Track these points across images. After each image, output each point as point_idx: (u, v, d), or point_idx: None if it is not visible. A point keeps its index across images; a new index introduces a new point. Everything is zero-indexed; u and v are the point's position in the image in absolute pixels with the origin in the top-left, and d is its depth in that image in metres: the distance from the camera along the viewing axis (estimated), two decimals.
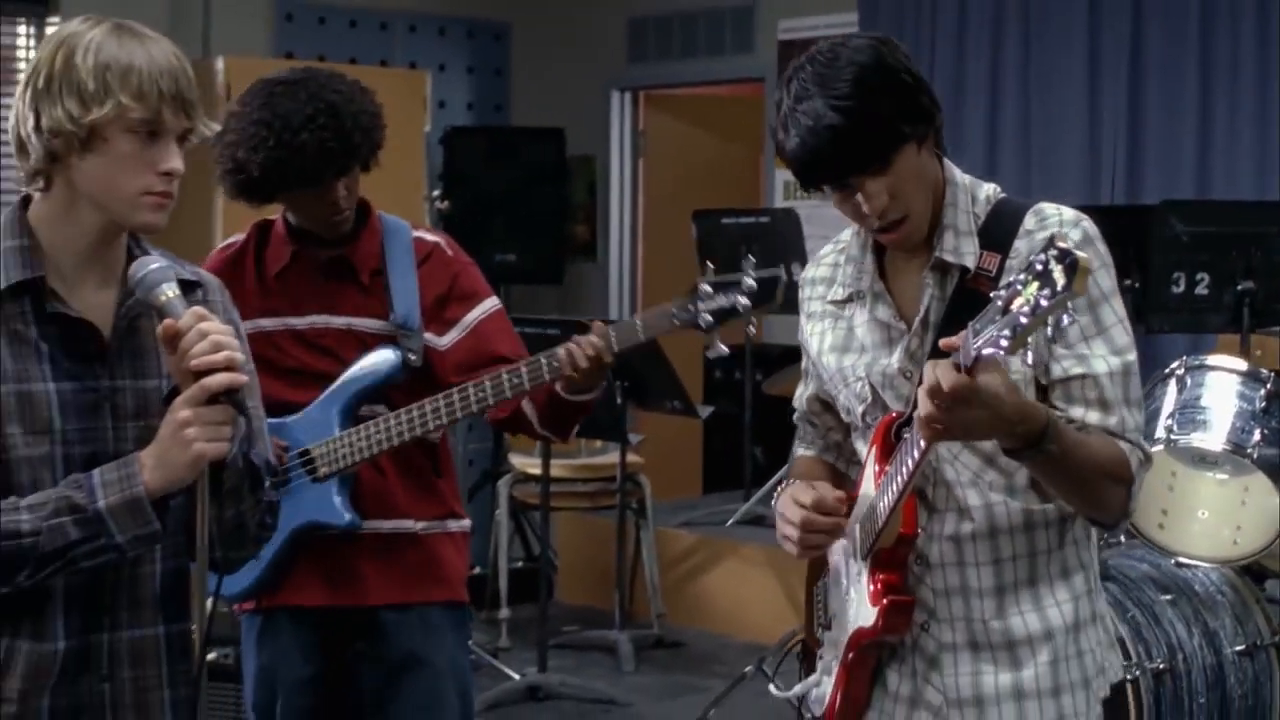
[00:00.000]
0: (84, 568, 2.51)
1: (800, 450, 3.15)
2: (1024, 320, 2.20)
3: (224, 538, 2.57)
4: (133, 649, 2.63)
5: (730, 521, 8.11)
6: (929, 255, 2.74)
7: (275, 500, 2.76)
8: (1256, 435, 4.97)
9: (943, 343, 2.43)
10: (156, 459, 2.49)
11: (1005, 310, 2.24)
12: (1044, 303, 2.18)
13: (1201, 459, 5.15)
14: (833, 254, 2.95)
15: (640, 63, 9.95)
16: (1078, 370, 2.67)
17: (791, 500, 2.83)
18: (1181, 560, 5.13)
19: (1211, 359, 5.25)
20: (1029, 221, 2.72)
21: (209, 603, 2.57)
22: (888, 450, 2.73)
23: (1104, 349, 2.68)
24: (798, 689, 3.06)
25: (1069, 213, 2.74)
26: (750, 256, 3.77)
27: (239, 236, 3.97)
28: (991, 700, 2.76)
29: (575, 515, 8.32)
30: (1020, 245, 2.69)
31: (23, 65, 8.21)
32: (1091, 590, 2.83)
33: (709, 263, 3.79)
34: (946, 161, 2.78)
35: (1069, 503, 2.73)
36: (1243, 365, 5.17)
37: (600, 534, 8.14)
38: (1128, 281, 5.81)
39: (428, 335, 3.83)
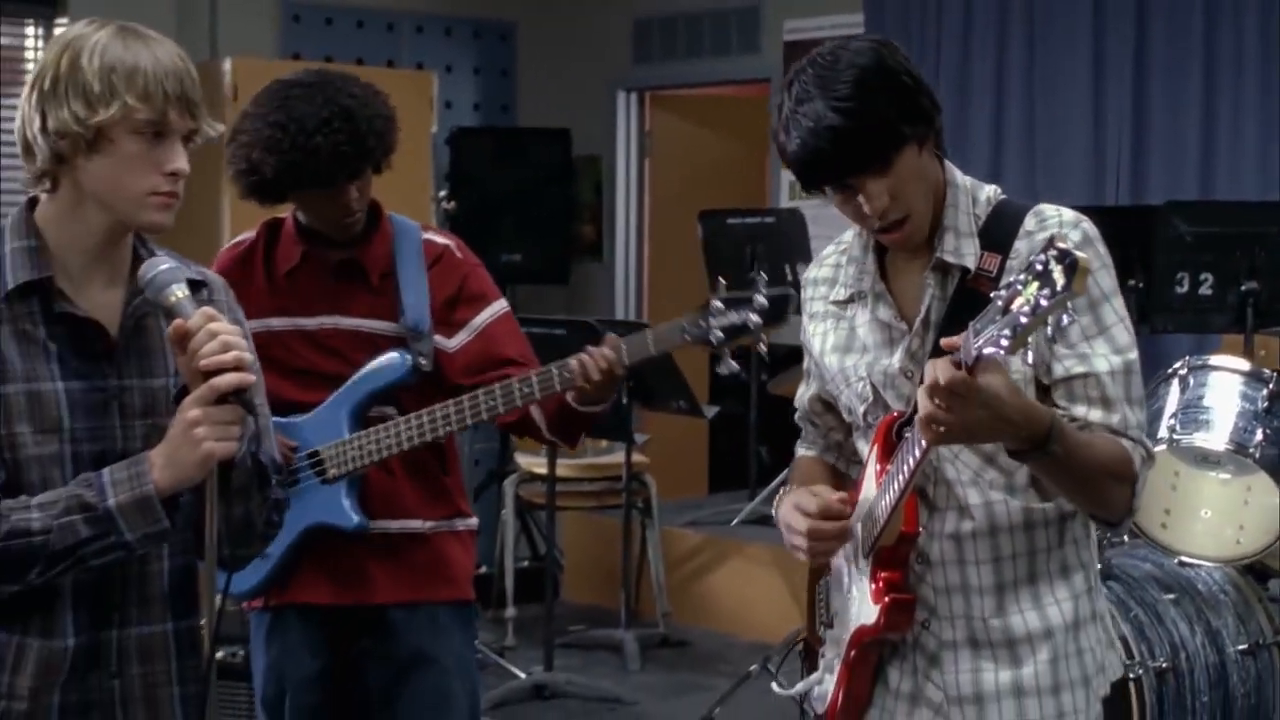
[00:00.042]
0: (94, 566, 2.53)
1: (801, 450, 3.17)
2: (1024, 320, 2.22)
3: (232, 535, 2.59)
4: (141, 645, 2.65)
5: (735, 521, 8.13)
6: (930, 256, 2.76)
7: (281, 498, 2.78)
8: (1259, 435, 4.98)
9: (944, 342, 2.45)
10: (166, 458, 2.51)
11: (1005, 310, 2.25)
12: (1044, 302, 2.20)
13: (1204, 459, 5.16)
14: (834, 255, 2.97)
15: (646, 63, 9.96)
16: (1079, 369, 2.69)
17: (794, 509, 2.84)
18: (1184, 559, 5.15)
19: (1214, 359, 5.26)
20: (1029, 222, 2.74)
21: (218, 600, 2.59)
22: (889, 449, 2.74)
23: (1105, 348, 2.69)
24: (800, 687, 3.08)
25: (1069, 214, 2.76)
26: (762, 274, 3.79)
27: (249, 234, 3.98)
28: (992, 697, 2.77)
29: (581, 515, 8.33)
30: (1020, 246, 2.71)
31: (31, 66, 8.23)
32: (1091, 589, 2.85)
33: (720, 279, 3.80)
34: (947, 163, 2.80)
35: (1074, 502, 2.75)
36: (1245, 365, 5.19)
37: (606, 533, 8.15)
38: (1132, 282, 5.83)
39: (436, 337, 3.85)
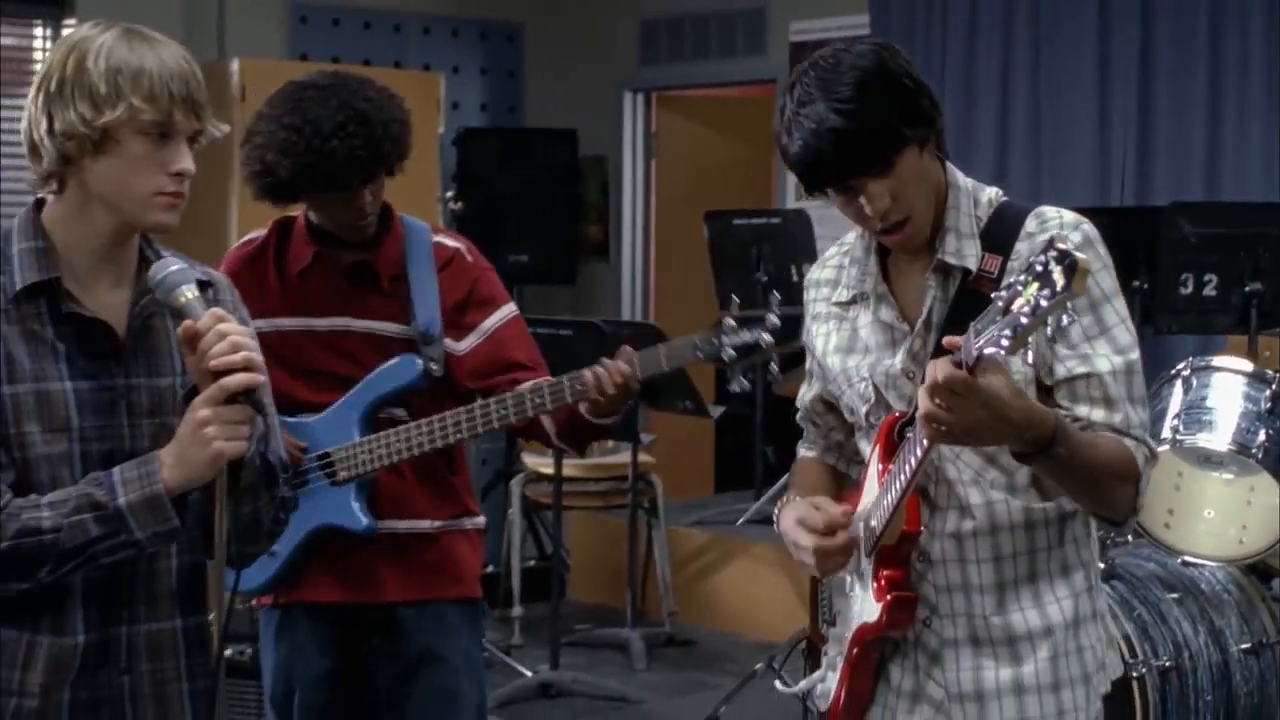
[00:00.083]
0: (104, 564, 2.55)
1: (802, 450, 3.19)
2: (1024, 320, 2.24)
3: (240, 534, 2.60)
4: (150, 642, 2.68)
5: (741, 520, 8.13)
6: (931, 257, 2.78)
7: (288, 497, 2.80)
8: (1261, 436, 4.99)
9: (946, 341, 2.47)
10: (176, 457, 2.53)
11: (1006, 310, 2.27)
12: (1044, 303, 2.22)
13: (1207, 459, 5.17)
14: (837, 256, 2.99)
15: (653, 64, 9.97)
16: (1082, 370, 2.70)
17: (798, 525, 2.85)
18: (1188, 559, 5.16)
19: (1217, 360, 5.27)
20: (1030, 224, 2.75)
21: (226, 597, 2.61)
22: (891, 449, 2.76)
23: (1107, 348, 2.71)
24: (803, 684, 3.09)
25: (1069, 216, 2.77)
26: (775, 294, 3.80)
27: (259, 232, 3.99)
28: (992, 695, 2.79)
29: (587, 514, 8.34)
30: (1021, 247, 2.72)
31: (38, 67, 8.23)
32: (1091, 588, 2.86)
33: (734, 297, 3.82)
34: (949, 165, 2.82)
35: (1078, 502, 2.77)
36: (1248, 366, 5.20)
37: (612, 533, 8.16)
38: (1136, 283, 5.85)
39: (445, 340, 3.86)
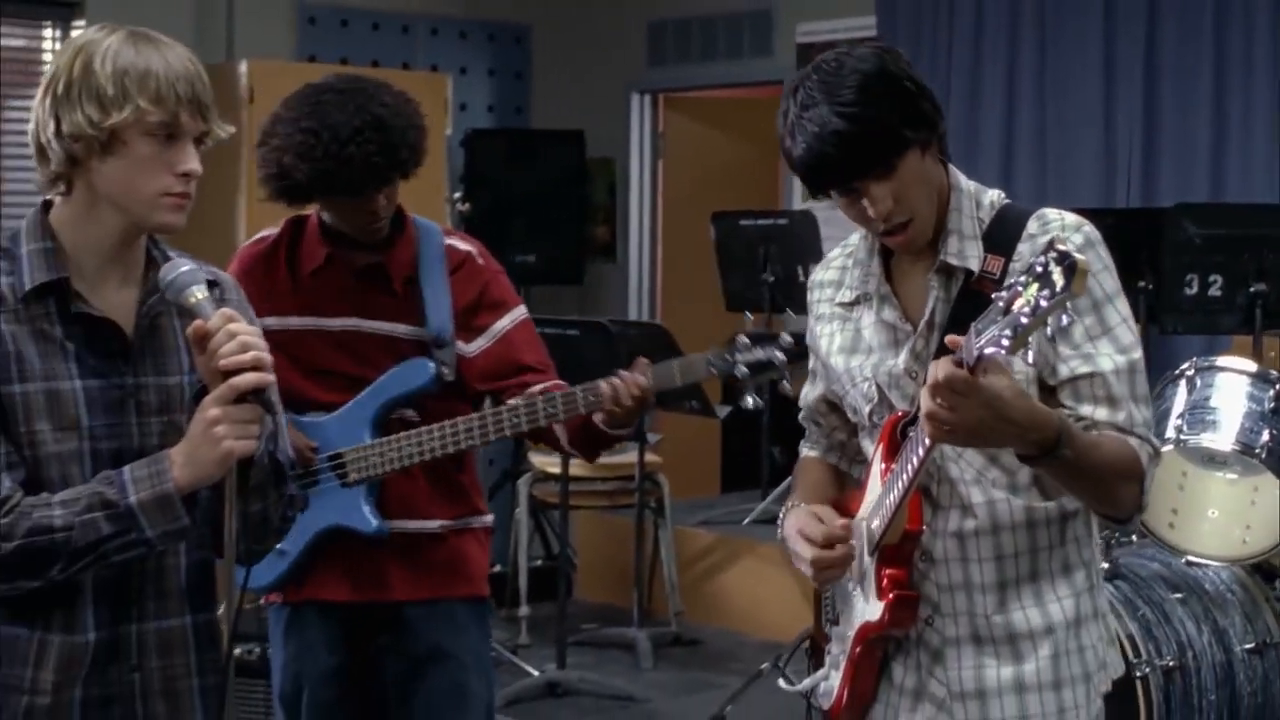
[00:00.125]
0: (114, 562, 2.57)
1: (805, 450, 3.21)
2: (1024, 320, 2.26)
3: (249, 532, 2.63)
4: (160, 639, 2.69)
5: (747, 520, 8.13)
6: (934, 259, 2.80)
7: (297, 495, 2.82)
8: (1265, 436, 5.00)
9: (948, 340, 2.49)
10: (186, 456, 2.55)
11: (1006, 311, 2.29)
12: (1044, 303, 2.24)
13: (1211, 459, 5.18)
14: (840, 257, 3.01)
15: (660, 66, 9.97)
16: (1084, 369, 2.72)
17: (798, 535, 2.87)
18: (1191, 559, 5.17)
19: (1221, 360, 5.28)
20: (1032, 226, 2.77)
21: (236, 595, 2.63)
22: (893, 449, 2.78)
23: (1109, 348, 2.72)
24: (807, 683, 3.10)
25: (1071, 217, 2.79)
26: (789, 311, 3.80)
27: (272, 230, 3.99)
28: (994, 693, 2.81)
29: (594, 514, 8.35)
30: (1023, 249, 2.74)
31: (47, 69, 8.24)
32: (1093, 587, 2.88)
33: (748, 314, 3.83)
34: (951, 167, 2.84)
35: (1083, 501, 2.78)
36: (1252, 366, 5.21)
37: (619, 533, 8.17)
38: (1141, 283, 5.86)
39: (456, 342, 3.88)
